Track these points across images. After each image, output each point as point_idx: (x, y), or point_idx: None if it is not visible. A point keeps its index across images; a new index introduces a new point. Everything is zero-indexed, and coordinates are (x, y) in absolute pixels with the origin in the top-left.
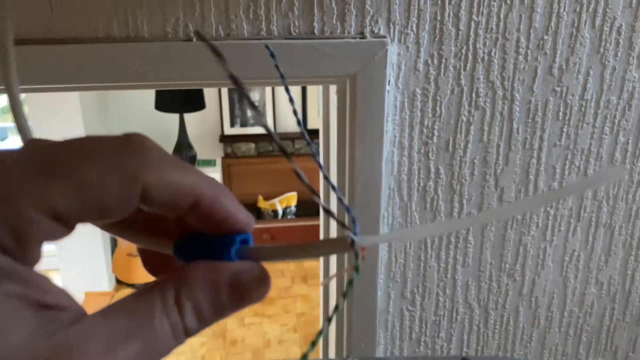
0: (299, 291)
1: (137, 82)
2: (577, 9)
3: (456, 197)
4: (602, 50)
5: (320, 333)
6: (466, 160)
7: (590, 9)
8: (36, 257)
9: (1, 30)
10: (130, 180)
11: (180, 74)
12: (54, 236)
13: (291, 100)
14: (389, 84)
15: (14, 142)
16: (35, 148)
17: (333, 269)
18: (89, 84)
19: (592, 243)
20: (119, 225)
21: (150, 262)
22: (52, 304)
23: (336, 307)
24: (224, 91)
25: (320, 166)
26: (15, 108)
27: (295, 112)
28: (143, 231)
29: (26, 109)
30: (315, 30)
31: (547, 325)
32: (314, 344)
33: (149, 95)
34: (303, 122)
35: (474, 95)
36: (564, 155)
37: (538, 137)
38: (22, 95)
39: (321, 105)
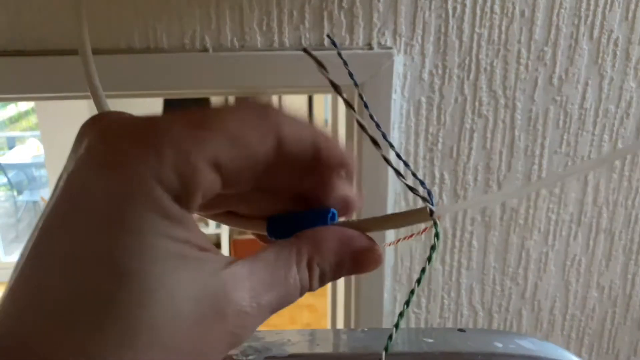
0: (305, 301)
1: (156, 91)
2: (576, 22)
3: (460, 202)
4: (600, 61)
5: (412, 292)
6: (470, 167)
7: (589, 22)
8: (196, 206)
9: (82, 39)
10: (271, 131)
11: (197, 83)
12: (212, 188)
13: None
14: (395, 93)
15: (21, 150)
16: (183, 111)
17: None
18: (112, 91)
19: (593, 248)
20: (222, 214)
21: (264, 239)
22: (205, 247)
23: (423, 270)
24: (231, 101)
25: (399, 157)
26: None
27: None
28: (239, 215)
29: (35, 118)
30: (325, 42)
31: (549, 328)
32: (407, 303)
33: (157, 104)
34: None
35: (477, 103)
36: (564, 162)
37: (539, 145)
38: (31, 104)
39: (330, 114)
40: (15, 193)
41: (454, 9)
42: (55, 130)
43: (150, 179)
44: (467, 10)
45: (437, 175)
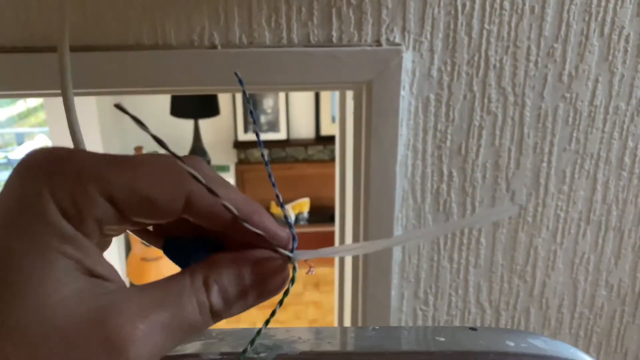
0: (311, 298)
1: (164, 87)
2: (586, 18)
3: (468, 199)
4: (610, 57)
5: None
6: (478, 164)
7: (599, 18)
8: (94, 232)
9: (60, 33)
10: (177, 184)
11: (205, 79)
12: (110, 220)
13: (250, 109)
14: (403, 90)
15: (30, 147)
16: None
17: (348, 274)
18: (120, 88)
19: (602, 246)
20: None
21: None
22: (100, 274)
23: (273, 313)
24: (238, 97)
25: (274, 185)
26: (69, 111)
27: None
28: (144, 227)
29: (43, 114)
30: (333, 39)
31: (557, 326)
32: (267, 322)
33: (165, 101)
34: (316, 128)
35: (485, 100)
36: (574, 160)
37: (548, 142)
38: (40, 101)
39: (337, 111)
40: None
41: (463, 5)
42: (64, 126)
43: (47, 197)
44: (477, 6)
45: (446, 172)
